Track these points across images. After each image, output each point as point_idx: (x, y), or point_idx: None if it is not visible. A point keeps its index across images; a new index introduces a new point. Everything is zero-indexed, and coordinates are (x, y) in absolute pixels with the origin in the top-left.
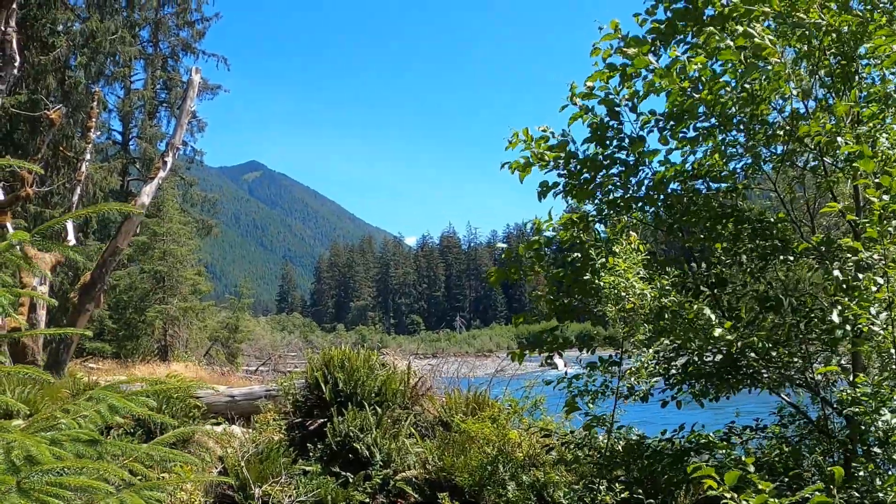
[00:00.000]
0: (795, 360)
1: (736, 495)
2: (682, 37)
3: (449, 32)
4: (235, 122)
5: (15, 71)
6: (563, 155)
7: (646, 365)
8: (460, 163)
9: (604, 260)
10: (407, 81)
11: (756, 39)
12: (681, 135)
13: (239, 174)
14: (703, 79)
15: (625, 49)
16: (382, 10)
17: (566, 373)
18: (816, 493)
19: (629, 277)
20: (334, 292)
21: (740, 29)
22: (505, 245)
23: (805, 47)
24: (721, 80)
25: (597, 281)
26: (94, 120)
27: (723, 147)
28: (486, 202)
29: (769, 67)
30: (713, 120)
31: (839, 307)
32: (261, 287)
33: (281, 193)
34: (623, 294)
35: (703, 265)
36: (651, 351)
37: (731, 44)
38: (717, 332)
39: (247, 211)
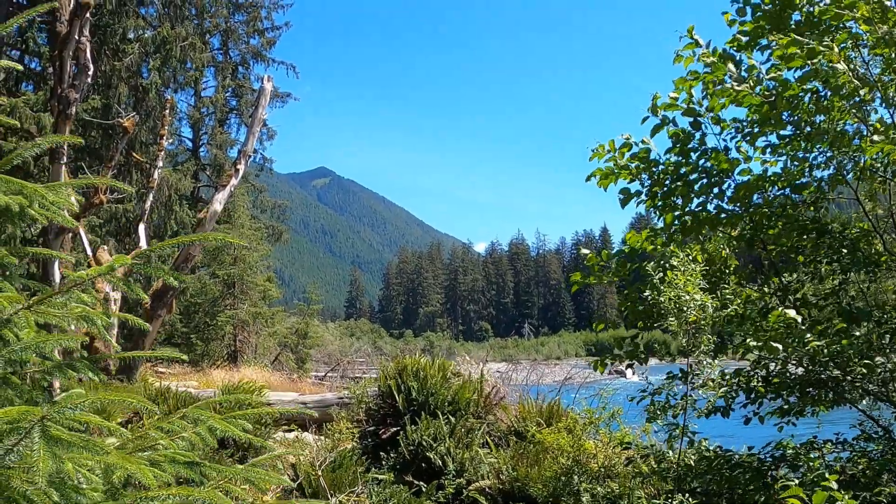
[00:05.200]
0: (878, 373)
1: None
2: (766, 42)
3: (522, 43)
4: (304, 129)
5: (88, 80)
6: (644, 163)
7: (714, 377)
8: (530, 169)
9: (661, 275)
10: (476, 88)
11: (809, 46)
12: (762, 142)
13: (308, 180)
14: (777, 88)
15: (703, 58)
16: (449, 19)
17: (647, 386)
18: None
19: (689, 290)
20: (403, 298)
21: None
22: (588, 251)
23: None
24: (791, 87)
25: (657, 297)
26: (166, 127)
27: (801, 156)
28: (556, 208)
29: (828, 70)
30: (790, 129)
31: None
32: (329, 293)
33: (349, 200)
34: (684, 308)
35: (784, 276)
36: (715, 362)
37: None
38: (809, 336)
39: (315, 217)
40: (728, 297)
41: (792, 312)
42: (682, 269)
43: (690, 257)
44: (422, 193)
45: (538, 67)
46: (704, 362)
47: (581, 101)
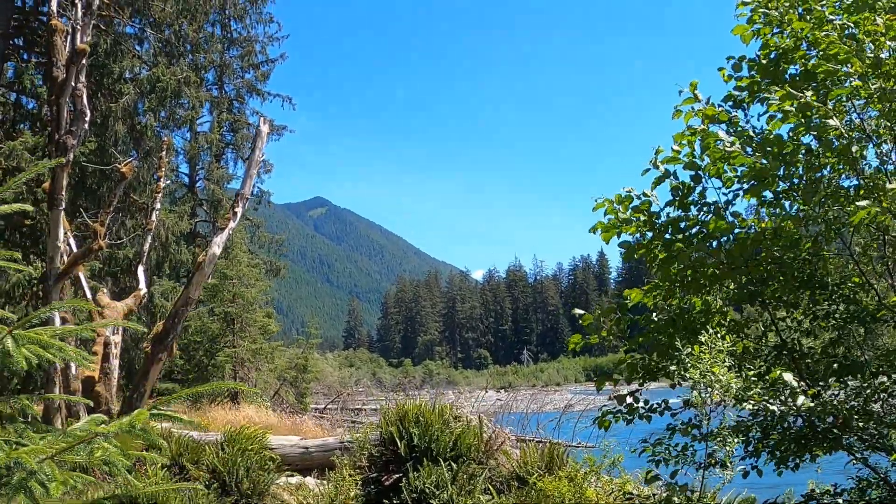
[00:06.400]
0: (873, 425)
1: None
2: (765, 95)
3: (518, 65)
4: (299, 159)
5: (85, 125)
6: (646, 215)
7: (730, 454)
8: (527, 194)
9: (690, 350)
10: (474, 116)
11: (802, 99)
12: (763, 198)
13: (304, 210)
14: (772, 147)
15: (699, 115)
16: (450, 49)
17: (648, 437)
18: None
19: (716, 371)
20: (401, 327)
21: (808, 93)
22: (583, 311)
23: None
24: (785, 145)
25: (683, 372)
26: (163, 170)
27: (794, 212)
28: (553, 233)
29: (820, 125)
30: (782, 184)
31: None
32: (327, 323)
33: (346, 229)
34: (709, 388)
35: (782, 329)
36: (735, 440)
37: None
38: (801, 399)
39: (313, 247)
40: (753, 378)
41: (788, 377)
42: (710, 345)
43: (720, 335)
44: (418, 221)
45: (533, 83)
46: (727, 440)
47: (575, 120)
